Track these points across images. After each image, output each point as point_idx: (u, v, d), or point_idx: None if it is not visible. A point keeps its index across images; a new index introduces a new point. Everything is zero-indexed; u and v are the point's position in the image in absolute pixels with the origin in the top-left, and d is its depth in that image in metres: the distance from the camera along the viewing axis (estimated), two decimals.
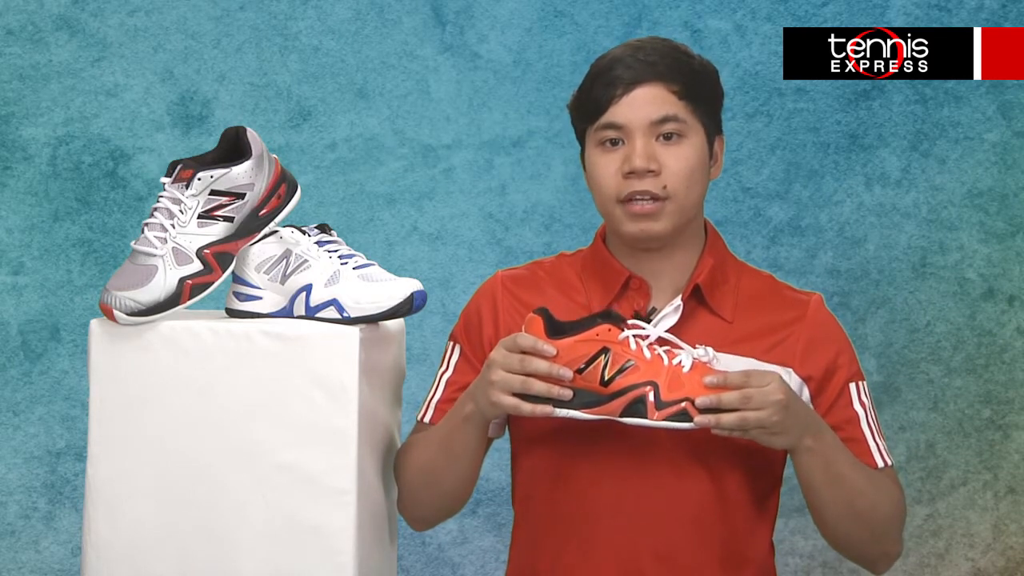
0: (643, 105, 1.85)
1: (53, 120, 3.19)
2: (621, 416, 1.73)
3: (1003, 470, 3.30)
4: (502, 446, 2.00)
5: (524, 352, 1.74)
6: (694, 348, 1.77)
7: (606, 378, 1.73)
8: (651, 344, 1.76)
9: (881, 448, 1.89)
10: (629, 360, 1.73)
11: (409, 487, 1.93)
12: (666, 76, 1.86)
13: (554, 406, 1.74)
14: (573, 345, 1.74)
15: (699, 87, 1.88)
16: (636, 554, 1.84)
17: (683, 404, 1.72)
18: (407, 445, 1.95)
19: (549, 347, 1.73)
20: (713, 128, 1.91)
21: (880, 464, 1.88)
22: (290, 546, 1.81)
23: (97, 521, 1.84)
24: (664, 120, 1.85)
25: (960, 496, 3.30)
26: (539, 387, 1.73)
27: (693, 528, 1.85)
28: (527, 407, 1.74)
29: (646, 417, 1.72)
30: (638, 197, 1.84)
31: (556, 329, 1.75)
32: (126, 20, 3.20)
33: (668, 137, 1.85)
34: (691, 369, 1.74)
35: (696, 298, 1.89)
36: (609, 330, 1.74)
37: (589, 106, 1.88)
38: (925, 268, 3.29)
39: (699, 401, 1.71)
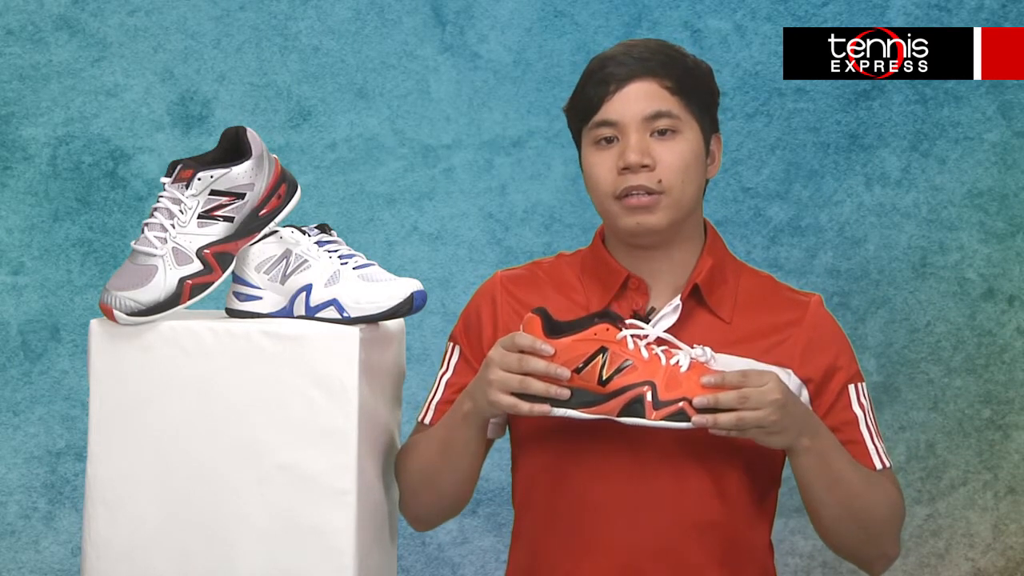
0: (636, 101, 1.85)
1: (53, 120, 3.19)
2: (619, 416, 1.73)
3: (1003, 470, 3.30)
4: (502, 446, 2.00)
5: (522, 351, 1.75)
6: (692, 348, 1.77)
7: (604, 378, 1.73)
8: (649, 344, 1.76)
9: (880, 450, 1.89)
10: (627, 360, 1.73)
11: (409, 488, 1.93)
12: (659, 72, 1.86)
13: (552, 405, 1.74)
14: (571, 344, 1.74)
15: (693, 84, 1.88)
16: (636, 554, 1.84)
17: (680, 404, 1.72)
18: (407, 446, 1.95)
19: (547, 346, 1.74)
20: (709, 126, 1.91)
21: (879, 466, 1.88)
22: (290, 546, 1.81)
23: (97, 521, 1.84)
24: (658, 115, 1.85)
25: (960, 496, 3.30)
26: (537, 386, 1.73)
27: (693, 527, 1.84)
28: (525, 406, 1.74)
29: (644, 417, 1.72)
30: (634, 192, 1.85)
31: (554, 329, 1.75)
32: (126, 20, 3.20)
33: (663, 133, 1.86)
34: (689, 369, 1.74)
35: (695, 298, 1.89)
36: (607, 329, 1.74)
37: (583, 105, 1.89)
38: (925, 268, 3.29)
39: (696, 401, 1.71)
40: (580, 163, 1.93)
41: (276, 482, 1.81)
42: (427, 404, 1.97)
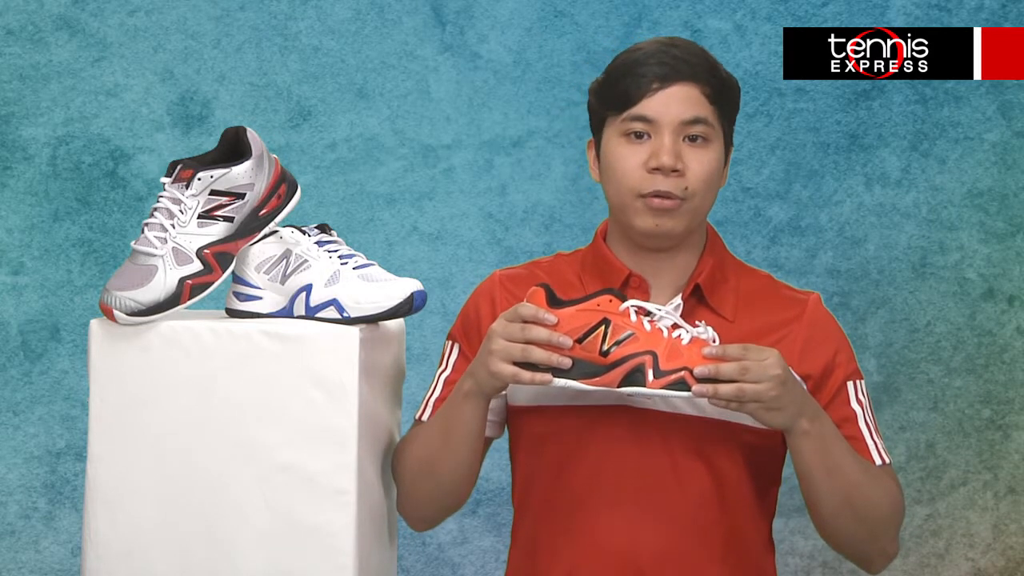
0: (677, 103, 1.85)
1: (53, 120, 3.19)
2: (619, 386, 1.74)
3: (1003, 470, 3.30)
4: (502, 446, 2.00)
5: (525, 321, 1.75)
6: (695, 326, 1.77)
7: (605, 348, 1.73)
8: (652, 319, 1.76)
9: (879, 446, 1.89)
10: (629, 331, 1.74)
11: (408, 481, 1.93)
12: (700, 78, 1.86)
13: (553, 375, 1.74)
14: (574, 315, 1.74)
15: (726, 94, 1.89)
16: (636, 552, 1.84)
17: (681, 373, 1.72)
18: (405, 440, 1.95)
19: (550, 316, 1.74)
20: (730, 138, 1.91)
21: (879, 462, 1.88)
22: (290, 546, 1.81)
23: (97, 521, 1.84)
24: (695, 121, 1.85)
25: (960, 496, 3.30)
26: (539, 355, 1.73)
27: (693, 525, 1.85)
28: (527, 375, 1.74)
29: (644, 386, 1.73)
30: (659, 195, 1.85)
31: (557, 303, 1.76)
32: (126, 20, 3.20)
33: (694, 139, 1.86)
34: (690, 342, 1.74)
35: (696, 297, 1.90)
36: (610, 301, 1.75)
37: (618, 96, 1.87)
38: (925, 268, 3.29)
39: (697, 371, 1.72)
40: (597, 149, 1.92)
41: (276, 482, 1.81)
42: (425, 402, 1.97)
